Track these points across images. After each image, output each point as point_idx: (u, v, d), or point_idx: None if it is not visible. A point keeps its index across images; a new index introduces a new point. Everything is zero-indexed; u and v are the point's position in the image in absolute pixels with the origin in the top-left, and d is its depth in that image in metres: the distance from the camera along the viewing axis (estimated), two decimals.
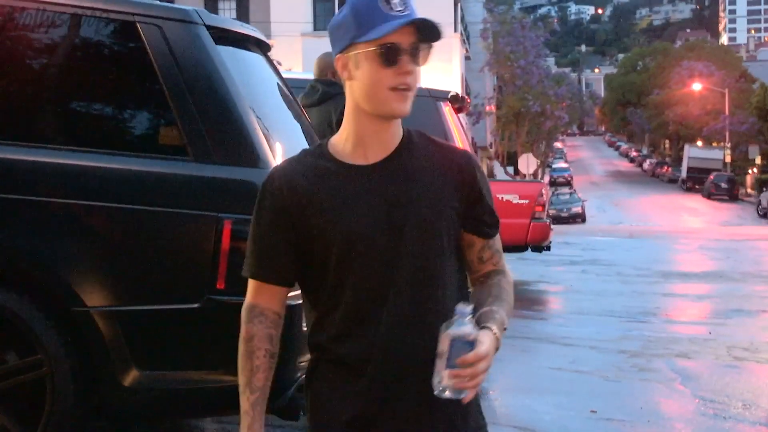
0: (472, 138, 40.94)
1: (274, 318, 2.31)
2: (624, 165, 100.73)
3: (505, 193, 15.04)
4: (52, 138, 4.35)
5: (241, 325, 2.30)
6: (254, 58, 4.89)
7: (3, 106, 4.38)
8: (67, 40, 4.49)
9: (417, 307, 2.20)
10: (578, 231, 35.13)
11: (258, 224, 2.28)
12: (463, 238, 2.33)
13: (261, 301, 2.30)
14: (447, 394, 2.07)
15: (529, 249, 15.32)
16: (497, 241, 2.38)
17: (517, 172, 47.25)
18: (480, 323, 2.14)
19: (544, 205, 15.26)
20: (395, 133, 2.27)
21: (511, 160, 52.28)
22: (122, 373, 4.04)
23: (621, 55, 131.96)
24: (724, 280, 16.44)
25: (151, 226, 4.13)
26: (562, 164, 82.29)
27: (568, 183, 68.01)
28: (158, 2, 4.54)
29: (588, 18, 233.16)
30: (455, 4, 41.89)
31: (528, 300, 13.66)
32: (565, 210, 46.11)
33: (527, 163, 44.50)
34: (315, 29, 40.13)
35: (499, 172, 51.99)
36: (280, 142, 4.41)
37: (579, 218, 46.25)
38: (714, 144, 72.61)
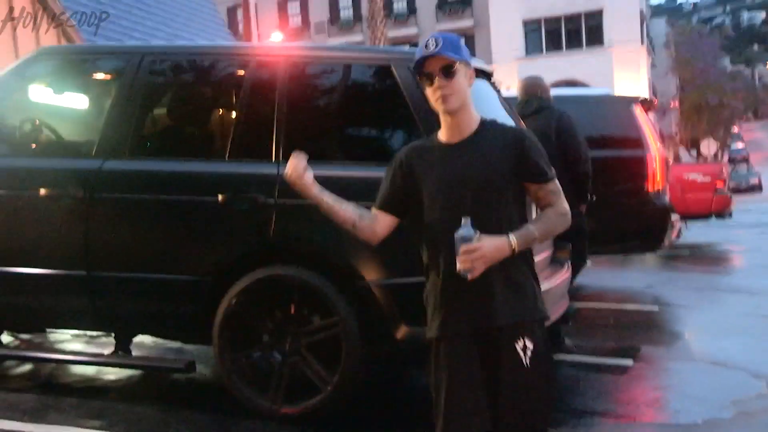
0: (660, 129, 39.13)
1: (376, 222, 2.86)
2: None
3: (690, 173, 14.39)
4: (335, 157, 4.47)
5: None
6: (480, 83, 4.86)
7: (301, 136, 4.49)
8: (343, 82, 4.63)
9: (481, 229, 2.60)
10: (756, 199, 32.77)
11: (386, 176, 2.88)
12: (524, 186, 2.77)
13: (377, 213, 2.87)
14: (461, 273, 2.58)
15: (714, 217, 14.66)
16: (550, 185, 2.78)
17: (699, 154, 44.57)
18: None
19: (724, 181, 14.54)
20: (467, 122, 2.76)
21: (694, 144, 49.35)
22: (395, 329, 4.13)
23: None
24: None
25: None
26: (739, 145, 76.60)
27: (745, 160, 63.31)
28: (407, 48, 4.60)
29: (760, 22, 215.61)
30: (641, 23, 40.01)
31: (714, 258, 12.88)
32: (743, 183, 42.84)
33: (708, 146, 42.08)
34: (527, 54, 39.53)
35: (684, 155, 49.32)
36: None
37: (756, 188, 42.95)
38: None
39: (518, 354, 2.63)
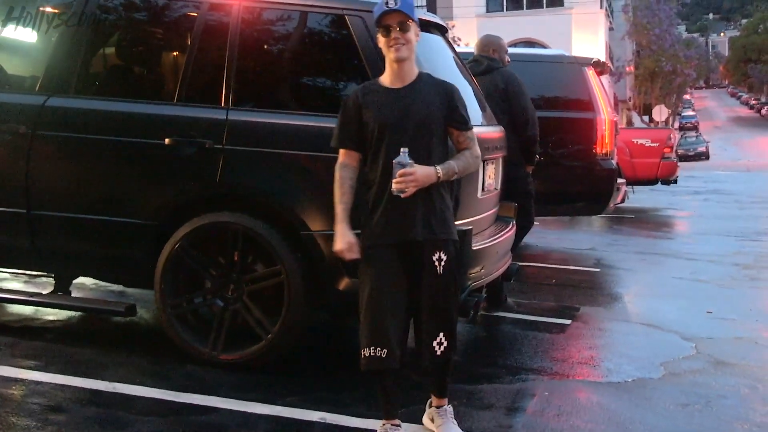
0: (614, 94, 39.47)
1: (353, 168, 3.34)
2: (744, 111, 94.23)
3: (639, 138, 14.60)
4: (286, 105, 4.42)
5: (335, 171, 3.33)
6: (435, 38, 4.84)
7: (252, 82, 4.46)
8: (296, 30, 4.55)
9: (415, 160, 3.16)
10: (702, 167, 33.47)
11: (342, 116, 3.36)
12: (448, 130, 3.36)
13: (345, 160, 3.35)
14: (394, 192, 3.15)
15: (660, 182, 14.95)
16: (469, 133, 3.40)
17: (651, 120, 45.20)
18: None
19: (672, 147, 14.78)
20: (410, 72, 3.32)
21: (646, 110, 49.98)
22: (338, 280, 4.15)
23: (744, 20, 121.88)
24: None
25: (364, 176, 4.18)
26: (690, 112, 77.65)
27: (695, 128, 64.33)
28: None
29: None
30: None
31: (658, 223, 13.19)
32: (691, 150, 43.71)
33: (660, 112, 42.69)
34: (487, 11, 39.36)
35: (636, 120, 49.95)
36: None
37: (704, 156, 43.80)
38: None
39: (434, 263, 3.25)
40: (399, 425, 3.39)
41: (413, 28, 3.27)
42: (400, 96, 3.28)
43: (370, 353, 3.21)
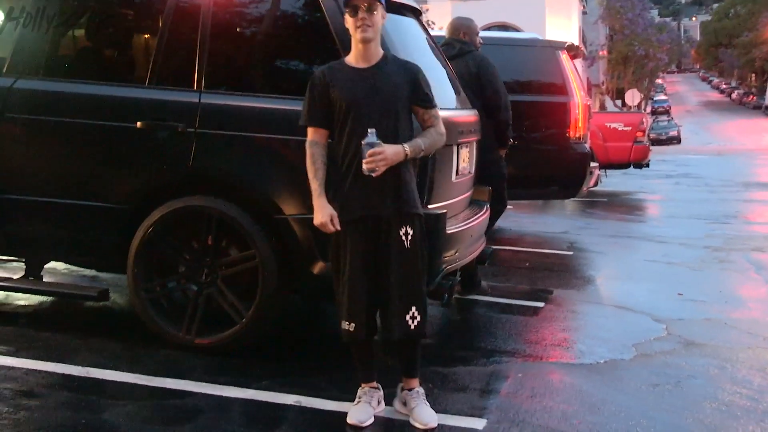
0: (587, 78, 39.64)
1: (323, 145, 3.43)
2: (715, 96, 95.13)
3: (612, 122, 14.73)
4: (259, 87, 4.38)
5: (306, 149, 3.43)
6: (408, 21, 4.83)
7: (225, 65, 4.43)
8: (269, 11, 4.51)
9: (382, 138, 3.27)
10: (674, 151, 33.75)
11: (309, 95, 3.44)
12: (413, 109, 3.47)
13: (315, 137, 3.44)
14: (365, 172, 3.26)
15: (632, 166, 15.07)
16: (433, 111, 3.50)
17: (624, 104, 45.51)
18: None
19: (644, 131, 14.89)
20: (374, 52, 3.42)
21: (619, 94, 50.32)
22: (311, 264, 4.14)
23: (716, 5, 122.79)
24: None
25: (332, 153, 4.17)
26: (662, 97, 78.29)
27: (667, 112, 64.82)
28: None
29: None
30: None
31: (630, 206, 13.30)
32: (663, 134, 44.02)
33: (633, 96, 42.96)
34: None
35: (609, 104, 50.27)
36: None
37: (675, 140, 44.15)
38: None
39: (401, 237, 3.37)
40: (378, 387, 3.56)
41: (380, 11, 3.36)
42: (366, 75, 3.39)
43: (344, 326, 3.38)
